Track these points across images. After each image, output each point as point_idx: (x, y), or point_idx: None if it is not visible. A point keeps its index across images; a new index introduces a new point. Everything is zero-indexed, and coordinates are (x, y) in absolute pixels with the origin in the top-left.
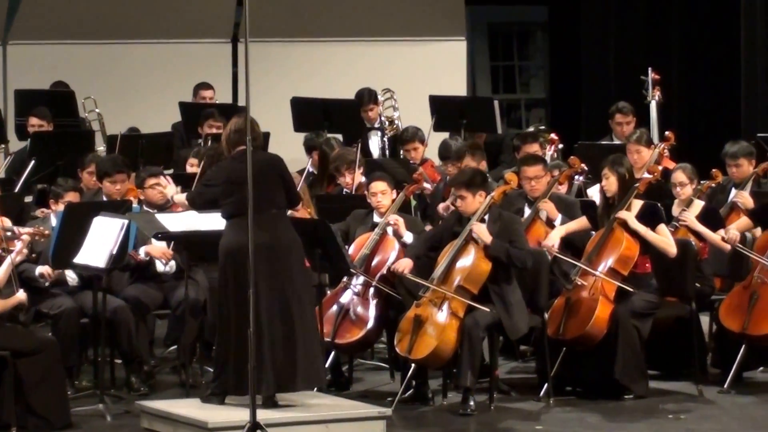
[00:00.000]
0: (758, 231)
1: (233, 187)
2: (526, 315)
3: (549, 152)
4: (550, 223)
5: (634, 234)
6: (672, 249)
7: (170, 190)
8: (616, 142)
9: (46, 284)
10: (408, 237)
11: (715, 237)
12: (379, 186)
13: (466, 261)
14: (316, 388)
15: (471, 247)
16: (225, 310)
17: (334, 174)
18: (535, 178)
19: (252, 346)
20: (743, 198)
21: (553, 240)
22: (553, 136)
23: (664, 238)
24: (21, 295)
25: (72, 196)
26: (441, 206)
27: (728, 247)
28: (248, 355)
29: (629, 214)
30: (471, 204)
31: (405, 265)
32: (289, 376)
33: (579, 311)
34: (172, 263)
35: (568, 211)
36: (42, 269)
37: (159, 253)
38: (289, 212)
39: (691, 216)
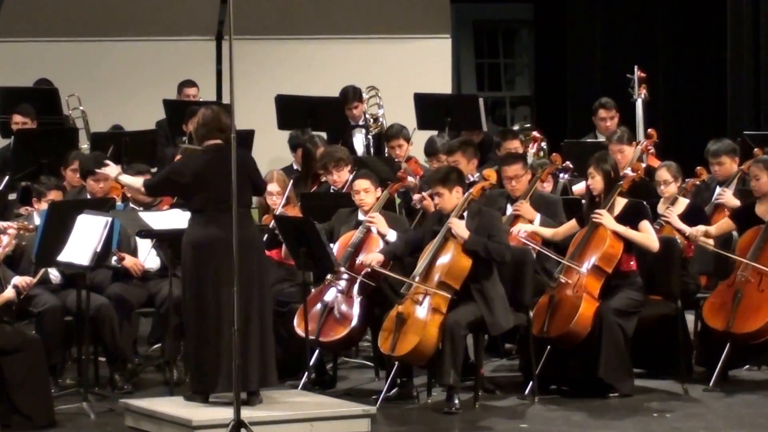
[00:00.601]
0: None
1: (202, 181)
2: (509, 311)
3: (531, 150)
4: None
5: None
6: (654, 244)
7: (112, 170)
8: (601, 138)
9: (21, 296)
10: (391, 235)
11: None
12: (362, 184)
13: (446, 257)
14: (300, 386)
15: (451, 244)
16: (186, 306)
17: (320, 172)
18: (515, 177)
19: (237, 343)
20: (725, 196)
21: (519, 227)
22: (535, 134)
23: (645, 234)
24: (9, 293)
25: (55, 195)
26: (416, 197)
27: (711, 244)
28: (209, 352)
29: (606, 216)
30: (448, 200)
31: (373, 258)
32: (244, 373)
33: (563, 309)
34: (157, 260)
35: (549, 209)
36: (18, 281)
37: (131, 264)
38: (280, 210)
39: (673, 214)
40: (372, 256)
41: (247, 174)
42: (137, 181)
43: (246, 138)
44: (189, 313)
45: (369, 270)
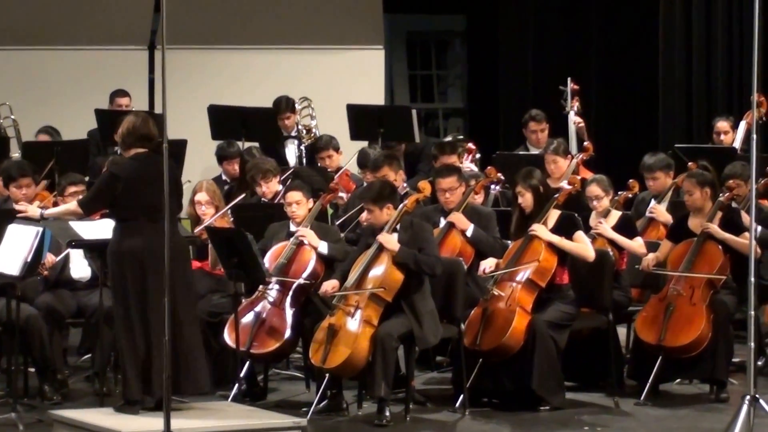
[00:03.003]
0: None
1: (133, 189)
2: (438, 326)
3: (466, 162)
4: (463, 233)
5: (552, 245)
6: (590, 254)
7: (34, 211)
8: (532, 151)
9: None
10: (322, 247)
11: (629, 243)
12: (294, 196)
13: (378, 269)
14: (231, 398)
15: (384, 256)
16: (120, 315)
17: (251, 183)
18: (449, 189)
19: (168, 353)
20: (657, 211)
21: (483, 266)
22: (470, 145)
23: (580, 244)
24: None
25: None
26: (362, 216)
27: (645, 252)
28: (134, 361)
29: (541, 227)
30: (380, 217)
31: (329, 285)
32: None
33: (496, 322)
34: (88, 270)
35: (482, 221)
36: None
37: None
38: (209, 221)
39: (604, 224)
40: (328, 284)
41: (174, 181)
42: (69, 206)
43: (178, 148)
44: (122, 322)
45: (301, 281)
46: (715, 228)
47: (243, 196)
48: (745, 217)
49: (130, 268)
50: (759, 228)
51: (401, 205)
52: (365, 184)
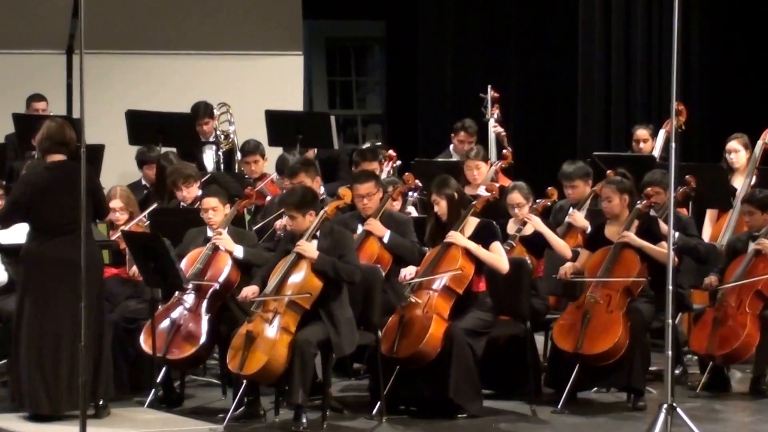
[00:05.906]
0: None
1: (45, 200)
2: (354, 334)
3: (387, 169)
4: (381, 240)
5: (469, 252)
6: (504, 266)
7: None
8: (454, 158)
9: None
10: (238, 251)
11: (557, 241)
12: (210, 202)
13: (297, 276)
14: (147, 404)
15: (303, 263)
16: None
17: (172, 188)
18: (367, 195)
19: (83, 360)
20: (575, 217)
21: (404, 273)
22: (391, 152)
23: (496, 256)
24: None
25: None
26: (277, 223)
27: (569, 255)
28: (33, 370)
29: (457, 234)
30: (301, 223)
31: (248, 290)
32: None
33: (413, 329)
34: (5, 275)
35: (400, 228)
36: None
37: None
38: (126, 227)
39: (536, 218)
40: (248, 289)
41: (89, 189)
42: None
43: (96, 153)
44: (17, 328)
45: (217, 287)
46: (631, 236)
47: (155, 206)
48: (663, 226)
49: (34, 276)
50: (676, 234)
51: (321, 212)
52: (284, 190)
